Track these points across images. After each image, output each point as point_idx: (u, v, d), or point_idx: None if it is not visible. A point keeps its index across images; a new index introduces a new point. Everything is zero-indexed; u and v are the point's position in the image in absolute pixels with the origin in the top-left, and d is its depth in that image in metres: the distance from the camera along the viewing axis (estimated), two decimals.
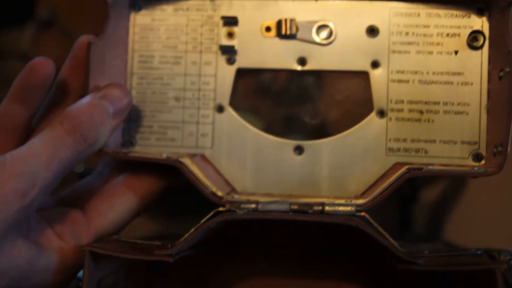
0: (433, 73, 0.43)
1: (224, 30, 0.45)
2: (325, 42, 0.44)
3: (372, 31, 0.44)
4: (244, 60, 0.45)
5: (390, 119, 0.44)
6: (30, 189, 0.36)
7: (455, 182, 0.60)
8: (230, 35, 0.45)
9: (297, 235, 0.47)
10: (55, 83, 0.43)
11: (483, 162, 0.42)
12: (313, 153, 0.44)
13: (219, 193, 0.42)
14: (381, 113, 0.44)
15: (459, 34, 0.43)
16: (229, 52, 0.45)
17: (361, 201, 0.41)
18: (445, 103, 0.43)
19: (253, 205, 0.40)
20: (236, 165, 0.45)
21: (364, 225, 0.38)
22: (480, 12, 0.43)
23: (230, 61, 0.45)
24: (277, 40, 0.45)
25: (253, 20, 0.45)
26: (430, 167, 0.41)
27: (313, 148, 0.44)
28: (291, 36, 0.44)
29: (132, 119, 0.45)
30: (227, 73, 0.45)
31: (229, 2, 0.45)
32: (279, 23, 0.44)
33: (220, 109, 0.45)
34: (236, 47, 0.45)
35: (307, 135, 0.45)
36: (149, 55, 0.45)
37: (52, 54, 0.43)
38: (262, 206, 0.40)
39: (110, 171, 0.45)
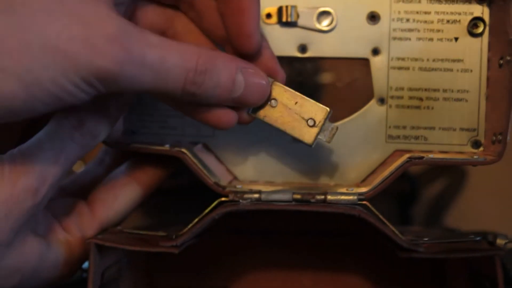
0: (433, 60, 0.44)
1: None
2: (326, 29, 0.44)
3: (373, 17, 0.44)
4: None
5: (390, 106, 0.44)
6: (41, 186, 0.36)
7: (454, 177, 0.61)
8: None
9: (298, 220, 0.48)
10: None
11: (481, 149, 0.43)
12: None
13: (222, 183, 0.42)
14: (381, 101, 0.44)
15: (459, 21, 0.43)
16: None
17: (362, 190, 0.41)
18: (444, 90, 0.44)
19: (256, 195, 0.41)
20: (238, 154, 0.45)
21: (366, 214, 0.38)
22: None
23: None
24: (277, 27, 0.45)
25: None
26: (430, 155, 0.41)
27: None
28: (292, 23, 0.44)
29: (133, 108, 0.45)
30: None
31: None
32: (280, 10, 0.44)
33: None
34: None
35: None
36: None
37: None
38: (265, 196, 0.41)
39: (111, 159, 0.46)
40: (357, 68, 0.45)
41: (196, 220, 0.40)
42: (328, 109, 0.39)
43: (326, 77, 0.45)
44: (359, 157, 0.44)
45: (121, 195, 0.43)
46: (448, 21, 0.43)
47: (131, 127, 0.45)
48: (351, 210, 0.38)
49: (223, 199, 0.41)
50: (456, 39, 0.43)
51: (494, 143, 0.41)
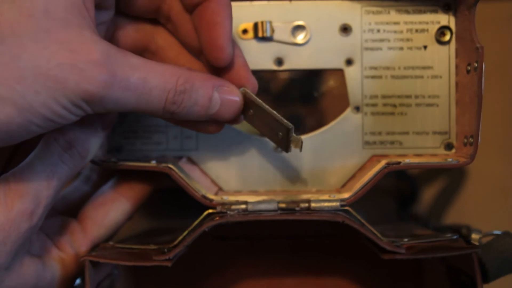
0: (404, 68, 0.46)
1: None
2: (301, 42, 0.46)
3: (345, 29, 0.46)
4: None
5: (366, 113, 0.46)
6: (36, 208, 0.37)
7: (454, 176, 0.63)
8: None
9: (279, 225, 0.49)
10: None
11: (453, 151, 0.45)
12: (294, 149, 0.46)
13: (210, 196, 0.44)
14: (357, 109, 0.46)
15: (427, 30, 0.45)
16: None
17: (344, 196, 0.43)
18: (416, 96, 0.46)
19: (243, 206, 0.42)
20: (221, 165, 0.47)
21: (350, 220, 0.40)
22: (446, 8, 0.45)
23: None
24: (254, 42, 0.46)
25: None
26: (407, 160, 0.43)
27: None
28: (268, 38, 0.46)
29: (116, 125, 0.46)
30: None
31: None
32: (255, 26, 0.46)
33: None
34: None
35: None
36: None
37: None
38: (251, 207, 0.42)
39: (98, 176, 0.47)
40: (332, 78, 0.47)
41: (186, 232, 0.42)
42: (289, 127, 0.40)
43: (303, 88, 0.47)
44: (338, 164, 0.46)
45: (110, 212, 0.44)
46: (416, 30, 0.46)
47: (115, 144, 0.46)
48: (335, 217, 0.40)
49: (210, 211, 0.43)
50: (425, 47, 0.46)
51: (466, 145, 0.43)
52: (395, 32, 0.46)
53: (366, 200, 0.43)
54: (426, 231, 0.50)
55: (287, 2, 0.46)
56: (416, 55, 0.46)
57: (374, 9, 0.46)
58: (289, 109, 0.47)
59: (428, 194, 0.62)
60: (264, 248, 0.51)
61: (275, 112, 0.40)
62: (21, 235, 0.37)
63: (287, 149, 0.41)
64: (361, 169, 0.46)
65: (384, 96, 0.46)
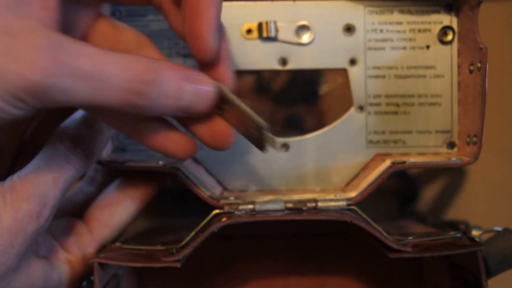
0: (407, 67, 0.46)
1: None
2: (305, 42, 0.46)
3: (349, 29, 0.46)
4: None
5: (369, 113, 0.46)
6: (43, 209, 0.37)
7: (454, 175, 0.63)
8: None
9: (281, 224, 0.50)
10: None
11: (456, 149, 0.46)
12: (298, 149, 0.47)
13: (216, 196, 0.44)
14: (360, 108, 0.46)
15: (430, 30, 0.46)
16: None
17: (351, 195, 0.43)
18: (419, 96, 0.46)
19: (251, 206, 0.43)
20: (226, 165, 0.47)
21: (357, 219, 0.41)
22: (449, 8, 0.46)
23: None
24: (258, 42, 0.46)
25: (234, 22, 0.46)
26: (412, 159, 0.44)
27: (298, 145, 0.47)
28: (272, 38, 0.46)
29: None
30: None
31: None
32: (260, 26, 0.46)
33: None
34: None
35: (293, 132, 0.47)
36: None
37: None
38: (259, 206, 0.42)
39: (102, 177, 0.47)
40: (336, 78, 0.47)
41: (193, 233, 0.42)
42: (263, 125, 0.38)
43: (305, 88, 0.47)
44: (342, 163, 0.47)
45: (116, 213, 0.44)
46: (419, 30, 0.46)
47: (120, 144, 0.46)
48: (343, 216, 0.41)
49: (217, 211, 0.43)
50: (428, 47, 0.46)
51: (469, 144, 0.44)
52: (398, 32, 0.46)
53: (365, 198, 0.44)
54: (426, 228, 0.51)
55: (291, 2, 0.46)
56: (418, 54, 0.46)
57: (377, 9, 0.46)
58: (292, 109, 0.47)
59: (428, 193, 0.63)
60: (267, 247, 0.51)
61: (250, 110, 0.38)
62: (28, 236, 0.37)
63: (262, 148, 0.39)
64: (365, 168, 0.46)
65: (387, 96, 0.46)
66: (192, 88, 0.36)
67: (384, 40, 0.46)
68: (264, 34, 0.46)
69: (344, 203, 0.43)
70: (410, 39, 0.46)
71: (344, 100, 0.47)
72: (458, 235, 0.44)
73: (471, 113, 0.44)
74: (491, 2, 0.60)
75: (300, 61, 0.46)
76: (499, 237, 0.45)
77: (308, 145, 0.47)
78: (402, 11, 0.46)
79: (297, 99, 0.47)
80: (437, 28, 0.46)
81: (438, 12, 0.46)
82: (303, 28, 0.46)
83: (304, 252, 0.51)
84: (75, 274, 0.41)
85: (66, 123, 0.40)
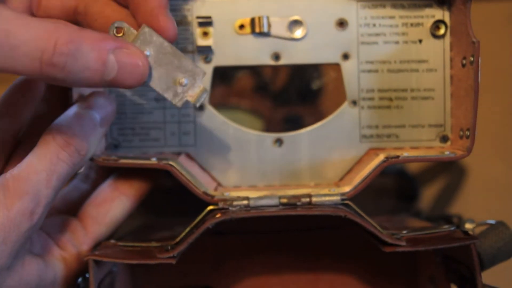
0: (400, 61, 0.46)
1: (199, 30, 0.46)
2: (298, 37, 0.46)
3: (342, 24, 0.46)
4: (220, 58, 0.46)
5: (362, 107, 0.46)
6: (36, 207, 0.37)
7: (453, 173, 0.64)
8: (205, 34, 0.46)
9: (275, 220, 0.50)
10: None
11: (449, 143, 0.46)
12: (292, 144, 0.47)
13: (211, 192, 0.44)
14: (354, 103, 0.46)
15: (422, 24, 0.46)
16: (205, 51, 0.46)
17: (345, 190, 0.43)
18: (412, 90, 0.46)
19: (245, 202, 0.43)
20: (220, 161, 0.47)
21: (352, 214, 0.41)
22: (441, 2, 0.46)
23: (207, 59, 0.46)
24: (251, 37, 0.46)
25: (227, 18, 0.46)
26: (405, 153, 0.44)
27: (292, 140, 0.47)
28: (265, 34, 0.46)
29: (114, 122, 0.46)
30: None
31: (202, 1, 0.46)
32: (252, 21, 0.46)
33: (200, 107, 0.46)
34: (212, 46, 0.46)
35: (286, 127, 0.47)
36: None
37: None
38: (253, 202, 0.43)
39: (96, 174, 0.47)
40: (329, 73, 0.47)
41: (188, 229, 0.42)
42: (203, 72, 0.38)
43: (299, 83, 0.47)
44: (336, 157, 0.47)
45: (111, 210, 0.44)
46: (411, 25, 0.46)
47: (113, 141, 0.46)
48: (337, 211, 0.41)
49: (212, 207, 0.43)
50: (420, 41, 0.46)
51: (462, 138, 0.44)
52: (390, 26, 0.46)
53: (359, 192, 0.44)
54: (420, 222, 0.51)
55: None
56: (411, 49, 0.46)
57: (370, 3, 0.46)
58: (287, 105, 0.48)
59: (425, 190, 0.63)
60: (261, 243, 0.51)
61: (184, 54, 0.37)
62: (22, 234, 0.37)
63: (181, 102, 0.38)
64: (359, 162, 0.46)
65: (380, 90, 0.46)
66: (119, 62, 0.35)
67: (377, 34, 0.46)
68: (257, 30, 0.46)
69: (338, 197, 0.43)
70: (403, 33, 0.46)
71: (337, 95, 0.47)
72: (452, 228, 0.44)
73: (463, 107, 0.44)
74: (488, 2, 0.60)
75: (293, 56, 0.46)
76: (492, 230, 0.45)
77: (302, 140, 0.47)
78: (394, 6, 0.46)
79: (292, 94, 0.48)
80: (429, 22, 0.46)
81: (430, 6, 0.46)
82: (295, 23, 0.46)
83: (299, 248, 0.51)
84: (69, 271, 0.41)
85: (59, 120, 0.40)
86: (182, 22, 0.46)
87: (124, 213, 0.44)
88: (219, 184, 0.47)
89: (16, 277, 0.38)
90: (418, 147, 0.46)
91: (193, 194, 0.43)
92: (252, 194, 0.44)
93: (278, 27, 0.46)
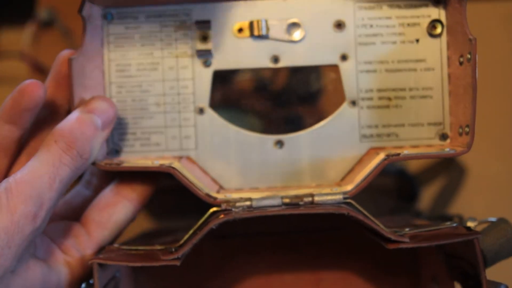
0: (398, 61, 0.47)
1: (198, 34, 0.46)
2: (296, 39, 0.46)
3: (339, 25, 0.47)
4: (219, 62, 0.47)
5: (362, 107, 0.47)
6: (39, 211, 0.37)
7: (453, 173, 0.64)
8: (204, 38, 0.46)
9: (276, 221, 0.50)
10: None
11: (448, 141, 0.46)
12: (293, 145, 0.47)
13: (213, 194, 0.44)
14: (353, 103, 0.47)
15: (419, 24, 0.46)
16: (204, 55, 0.46)
17: (347, 188, 0.44)
18: (410, 89, 0.47)
19: (248, 202, 0.43)
20: (221, 163, 0.47)
21: (354, 212, 0.41)
22: (437, 1, 0.46)
23: (206, 63, 0.47)
24: (250, 40, 0.47)
25: (225, 21, 0.46)
26: (405, 151, 0.44)
27: (292, 141, 0.47)
28: (264, 36, 0.46)
29: (115, 128, 0.46)
30: (204, 75, 0.47)
31: (201, 6, 0.46)
32: (251, 25, 0.46)
33: (200, 111, 0.47)
34: (211, 50, 0.46)
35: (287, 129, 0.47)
36: (125, 64, 0.46)
37: (52, 54, 0.44)
38: (256, 203, 0.43)
39: (98, 180, 0.47)
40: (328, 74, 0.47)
41: (191, 231, 0.42)
42: None
43: (299, 85, 0.48)
44: (337, 157, 0.47)
45: (114, 215, 0.44)
46: (408, 25, 0.46)
47: (114, 147, 0.46)
48: (340, 209, 0.41)
49: (215, 209, 0.43)
50: (417, 40, 0.47)
51: (461, 135, 0.44)
52: (387, 26, 0.47)
53: (360, 193, 0.44)
54: (422, 221, 0.51)
55: (281, 0, 0.46)
56: (409, 48, 0.47)
57: (367, 4, 0.46)
58: (287, 106, 0.48)
59: (425, 190, 0.63)
60: (263, 244, 0.51)
61: None
62: (25, 237, 0.37)
63: None
64: (359, 162, 0.47)
65: (379, 90, 0.47)
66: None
67: (374, 35, 0.47)
68: (256, 33, 0.46)
69: (341, 196, 0.43)
70: (400, 34, 0.47)
71: (337, 95, 0.47)
72: (454, 224, 0.44)
73: (462, 104, 0.44)
74: (488, 2, 0.61)
75: (292, 58, 0.47)
76: (494, 227, 0.45)
77: (302, 141, 0.47)
78: (391, 6, 0.46)
79: (292, 96, 0.48)
80: (426, 22, 0.46)
81: (426, 6, 0.46)
82: (294, 25, 0.46)
83: (300, 249, 0.51)
84: (73, 276, 0.41)
85: (61, 124, 0.40)
86: (181, 27, 0.46)
87: (128, 217, 0.44)
88: (221, 187, 0.47)
89: (20, 281, 0.38)
90: (418, 145, 0.47)
91: (195, 197, 0.43)
92: (254, 195, 0.44)
93: (277, 30, 0.46)
